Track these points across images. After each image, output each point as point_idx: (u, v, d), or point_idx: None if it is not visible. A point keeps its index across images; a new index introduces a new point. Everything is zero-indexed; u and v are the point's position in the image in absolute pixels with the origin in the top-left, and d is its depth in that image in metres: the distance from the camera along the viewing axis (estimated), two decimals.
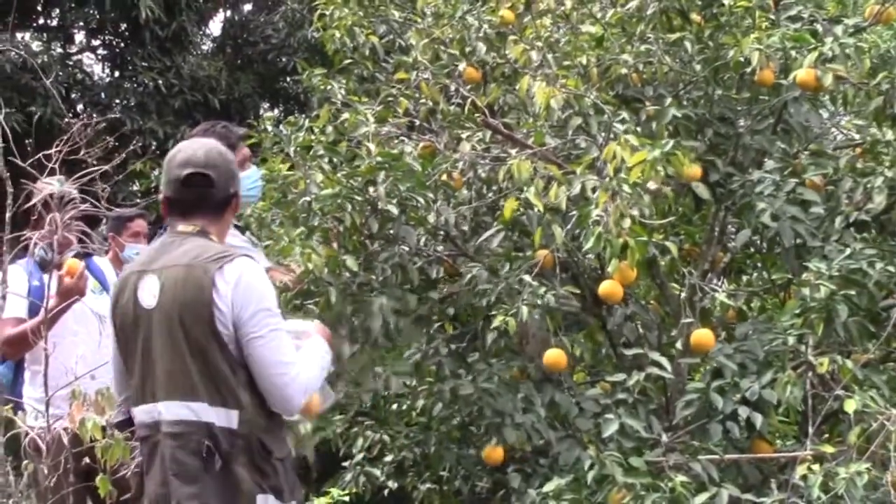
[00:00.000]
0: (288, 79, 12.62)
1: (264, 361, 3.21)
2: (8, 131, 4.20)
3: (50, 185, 4.61)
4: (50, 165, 4.05)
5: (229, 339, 3.18)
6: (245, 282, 3.20)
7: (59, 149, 4.10)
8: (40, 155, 4.10)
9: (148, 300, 3.24)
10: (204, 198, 3.33)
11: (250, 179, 4.64)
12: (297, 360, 3.28)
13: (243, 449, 3.18)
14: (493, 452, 4.19)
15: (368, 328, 4.28)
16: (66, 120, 4.32)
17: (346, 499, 4.90)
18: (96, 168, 4.14)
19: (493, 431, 4.22)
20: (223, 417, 3.17)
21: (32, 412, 4.38)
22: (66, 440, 3.98)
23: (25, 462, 4.01)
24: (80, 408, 3.85)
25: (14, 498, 4.33)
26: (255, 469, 3.20)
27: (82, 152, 4.15)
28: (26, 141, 4.24)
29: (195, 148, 3.39)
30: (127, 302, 3.27)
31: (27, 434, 4.05)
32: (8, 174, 4.22)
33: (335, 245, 4.41)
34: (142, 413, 3.26)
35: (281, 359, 3.23)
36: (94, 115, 4.36)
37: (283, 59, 12.61)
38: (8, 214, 4.27)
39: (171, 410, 3.19)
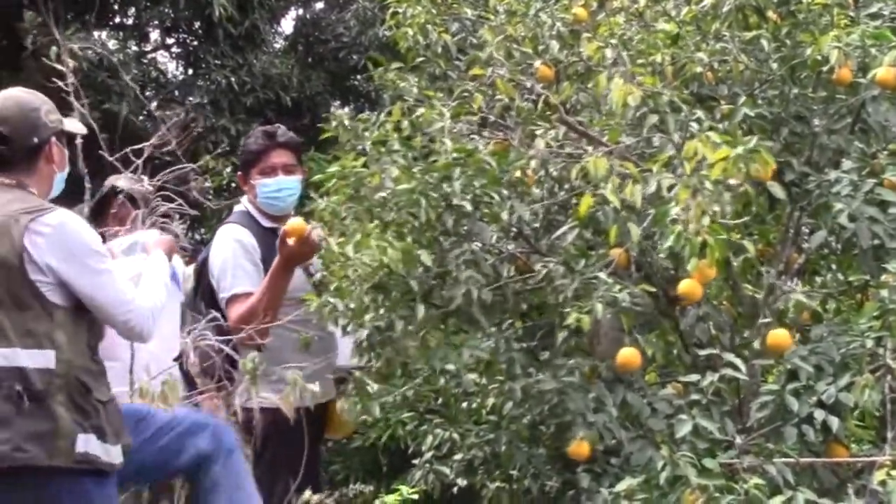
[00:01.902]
0: (358, 77, 12.68)
1: (102, 303, 3.41)
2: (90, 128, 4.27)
3: (117, 182, 4.70)
4: (137, 161, 4.12)
5: (47, 284, 3.33)
6: (63, 230, 3.37)
7: (144, 145, 4.17)
8: (127, 150, 4.18)
9: None
10: (6, 153, 3.44)
11: (269, 188, 4.68)
12: (135, 293, 3.49)
13: (61, 387, 3.30)
14: (580, 448, 4.15)
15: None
16: (160, 112, 4.41)
17: (415, 497, 4.91)
18: (183, 166, 4.22)
19: (566, 430, 4.21)
20: (38, 359, 3.29)
21: None
22: None
23: None
24: (157, 403, 3.90)
25: None
26: (76, 408, 3.31)
27: (165, 148, 4.22)
28: (102, 136, 4.32)
29: None
30: None
31: None
32: (86, 171, 4.30)
33: (409, 240, 4.43)
34: None
35: (118, 297, 3.43)
36: (180, 113, 4.40)
37: (354, 57, 12.67)
38: (85, 210, 4.35)
39: None
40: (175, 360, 4.24)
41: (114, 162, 4.24)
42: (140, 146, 4.26)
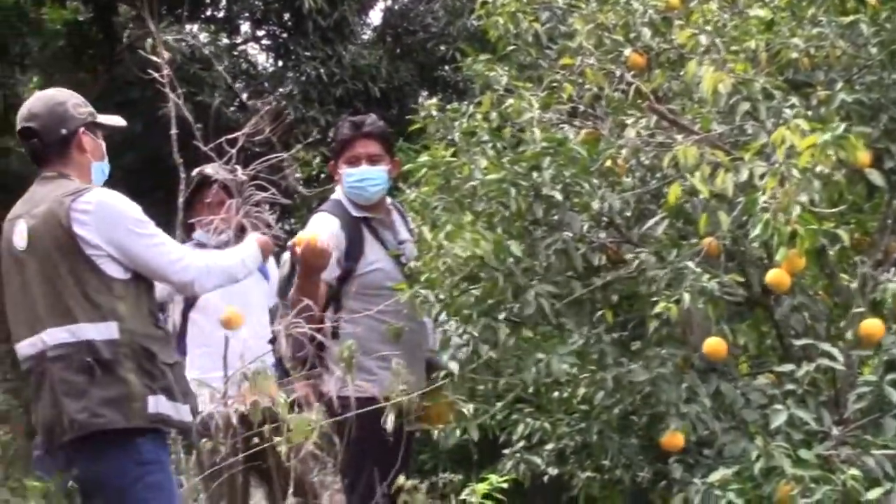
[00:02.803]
0: (446, 67, 12.70)
1: (154, 264, 3.63)
2: (184, 119, 4.34)
3: (207, 170, 4.77)
4: (231, 151, 4.19)
5: (102, 258, 3.56)
6: (103, 205, 3.60)
7: (237, 134, 4.23)
8: (222, 140, 4.25)
9: (20, 243, 3.63)
10: (39, 147, 3.71)
11: (353, 178, 4.70)
12: (185, 251, 3.74)
13: (128, 355, 3.54)
14: (674, 438, 4.11)
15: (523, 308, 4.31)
16: (252, 102, 4.47)
17: (504, 486, 4.90)
18: (275, 155, 4.27)
19: (660, 421, 4.18)
20: (103, 331, 3.53)
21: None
22: (235, 421, 4.10)
23: (203, 441, 4.13)
24: (252, 390, 3.96)
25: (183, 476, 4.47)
26: (144, 373, 3.56)
27: (258, 138, 4.27)
28: (197, 127, 4.39)
29: (26, 103, 3.80)
30: (4, 249, 3.71)
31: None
32: (181, 161, 4.37)
33: (499, 230, 4.43)
34: (27, 347, 3.62)
35: (167, 256, 3.66)
36: (272, 102, 4.45)
37: (442, 48, 12.70)
38: (181, 199, 4.42)
39: (53, 336, 3.55)
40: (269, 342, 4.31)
41: (208, 152, 4.30)
42: (234, 136, 4.32)
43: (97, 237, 3.57)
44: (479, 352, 4.40)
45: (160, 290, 4.04)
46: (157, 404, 3.58)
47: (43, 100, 3.78)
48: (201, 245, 4.74)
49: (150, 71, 4.37)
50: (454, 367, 4.44)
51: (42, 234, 3.60)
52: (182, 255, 3.72)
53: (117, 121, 3.96)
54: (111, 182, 3.90)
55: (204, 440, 4.10)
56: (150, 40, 4.39)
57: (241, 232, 4.23)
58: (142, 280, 3.69)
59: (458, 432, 4.82)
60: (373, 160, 4.77)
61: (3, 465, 12.71)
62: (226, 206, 4.26)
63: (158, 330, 3.68)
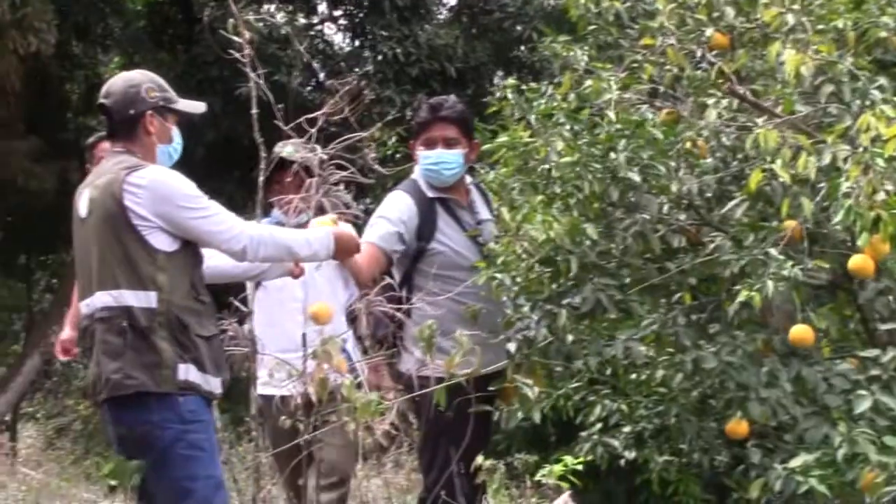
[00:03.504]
0: (522, 47, 12.64)
1: (206, 233, 3.81)
2: (264, 99, 4.36)
3: (285, 148, 4.78)
4: (311, 131, 4.21)
5: (149, 229, 3.75)
6: (155, 181, 3.78)
7: (317, 114, 4.26)
8: (302, 119, 4.27)
9: (83, 211, 3.87)
10: (111, 124, 3.96)
11: (429, 160, 4.70)
12: (236, 221, 3.87)
13: (163, 324, 3.73)
14: (738, 427, 4.10)
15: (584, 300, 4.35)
16: (331, 82, 4.48)
17: (579, 468, 4.89)
18: (354, 135, 4.29)
19: (737, 405, 4.14)
20: (142, 299, 3.73)
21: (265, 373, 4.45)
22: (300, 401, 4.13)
23: (282, 419, 4.16)
24: (321, 369, 3.99)
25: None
26: (177, 342, 3.74)
27: (337, 118, 4.29)
28: (279, 107, 4.40)
29: (108, 81, 4.04)
30: (74, 216, 3.92)
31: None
32: (262, 140, 4.39)
33: (575, 213, 4.40)
34: (84, 307, 3.86)
35: (218, 226, 3.82)
36: (351, 82, 4.46)
37: (519, 28, 12.64)
38: (261, 179, 4.45)
39: (99, 300, 3.78)
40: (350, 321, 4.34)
41: (288, 132, 4.32)
42: (313, 115, 4.34)
43: (146, 210, 3.75)
44: (538, 337, 4.41)
45: (233, 267, 4.09)
46: (188, 372, 3.75)
47: (121, 80, 3.99)
48: (279, 224, 4.78)
49: (230, 51, 4.38)
50: (512, 347, 4.46)
51: (99, 204, 3.81)
52: (233, 224, 3.86)
53: (195, 106, 4.11)
54: (192, 161, 3.98)
55: (283, 418, 4.13)
56: (231, 20, 4.40)
57: (320, 212, 4.25)
58: (189, 254, 3.86)
59: (519, 414, 4.83)
60: (449, 143, 4.76)
61: (85, 438, 12.97)
62: (305, 185, 4.27)
63: (198, 303, 3.84)
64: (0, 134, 12.23)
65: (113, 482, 3.80)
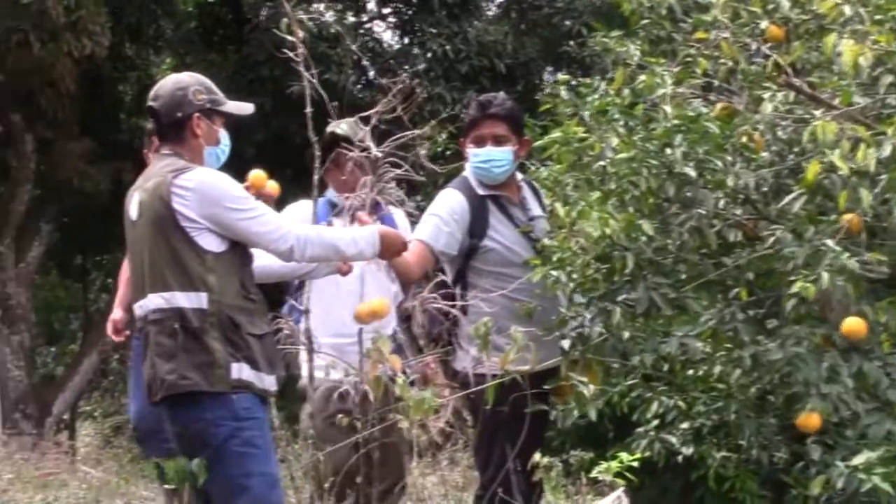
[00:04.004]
0: (572, 42, 12.60)
1: (254, 234, 3.85)
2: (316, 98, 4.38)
3: (339, 127, 4.78)
4: (364, 129, 4.21)
5: (198, 230, 3.80)
6: (203, 183, 3.82)
7: (370, 112, 4.26)
8: (356, 117, 4.28)
9: (133, 214, 3.92)
10: (159, 126, 4.01)
11: (478, 158, 4.69)
12: (283, 221, 3.93)
13: (214, 325, 3.77)
14: (810, 419, 4.03)
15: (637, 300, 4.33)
16: (384, 81, 4.49)
17: (635, 464, 4.86)
18: (407, 133, 4.30)
19: (798, 401, 4.09)
20: (193, 300, 3.77)
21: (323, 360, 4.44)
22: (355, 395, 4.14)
23: (339, 416, 4.16)
24: (375, 365, 4.00)
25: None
26: (229, 342, 3.78)
27: (389, 116, 4.30)
28: (333, 105, 4.43)
29: (158, 83, 4.07)
30: (126, 219, 3.97)
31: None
32: (317, 138, 4.41)
33: (631, 209, 4.38)
34: (138, 309, 3.91)
35: (265, 227, 3.86)
36: (404, 80, 4.46)
37: (568, 23, 12.59)
38: (316, 177, 4.46)
39: (152, 302, 3.83)
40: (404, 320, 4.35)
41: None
42: (367, 113, 4.36)
43: (194, 212, 3.80)
44: (593, 334, 4.40)
45: (280, 266, 4.12)
46: (241, 371, 3.79)
47: (170, 82, 4.03)
48: (332, 205, 4.80)
49: (284, 50, 4.40)
50: (566, 345, 4.45)
51: (148, 207, 3.86)
52: (280, 224, 3.90)
53: (243, 108, 4.15)
54: (242, 160, 3.99)
55: (340, 416, 4.14)
56: (284, 20, 4.42)
57: (374, 208, 4.26)
58: (238, 254, 3.90)
59: (575, 412, 4.81)
60: (498, 141, 4.75)
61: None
62: (360, 182, 4.29)
63: (249, 302, 3.87)
64: (55, 136, 12.38)
65: (172, 485, 3.83)
